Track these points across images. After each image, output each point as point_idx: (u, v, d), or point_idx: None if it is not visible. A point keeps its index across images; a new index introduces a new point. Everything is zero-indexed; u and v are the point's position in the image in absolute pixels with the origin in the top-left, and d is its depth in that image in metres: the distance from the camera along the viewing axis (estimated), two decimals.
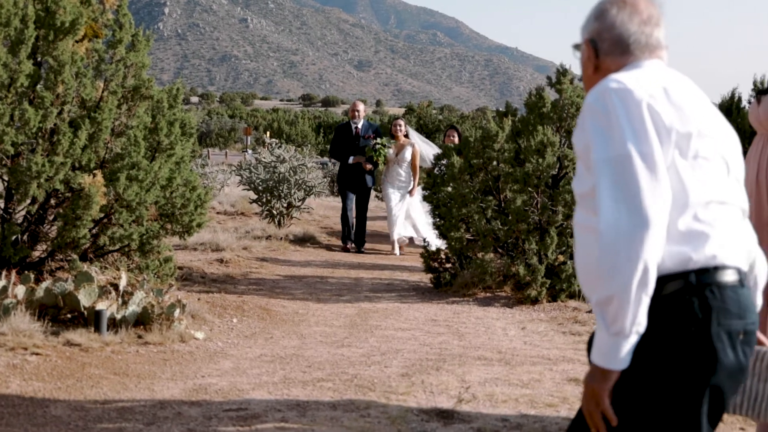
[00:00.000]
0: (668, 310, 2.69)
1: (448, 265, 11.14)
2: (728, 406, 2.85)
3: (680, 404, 2.72)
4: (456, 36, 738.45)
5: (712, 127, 2.85)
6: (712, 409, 2.76)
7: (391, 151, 15.56)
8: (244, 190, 18.13)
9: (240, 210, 18.87)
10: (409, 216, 16.00)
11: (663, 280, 2.69)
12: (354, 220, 15.73)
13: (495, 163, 10.73)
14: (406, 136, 16.04)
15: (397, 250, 15.33)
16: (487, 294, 10.39)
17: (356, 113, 16.04)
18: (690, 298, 2.69)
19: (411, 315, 9.27)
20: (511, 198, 10.43)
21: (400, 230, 15.72)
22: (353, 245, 15.47)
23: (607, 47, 2.98)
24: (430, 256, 11.25)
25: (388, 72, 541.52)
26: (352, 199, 15.66)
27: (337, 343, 7.76)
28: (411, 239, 16.07)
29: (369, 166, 15.51)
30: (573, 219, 2.99)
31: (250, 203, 17.67)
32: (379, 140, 15.44)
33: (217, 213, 18.24)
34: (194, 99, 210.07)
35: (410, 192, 15.78)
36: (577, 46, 3.13)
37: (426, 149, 16.88)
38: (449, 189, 10.95)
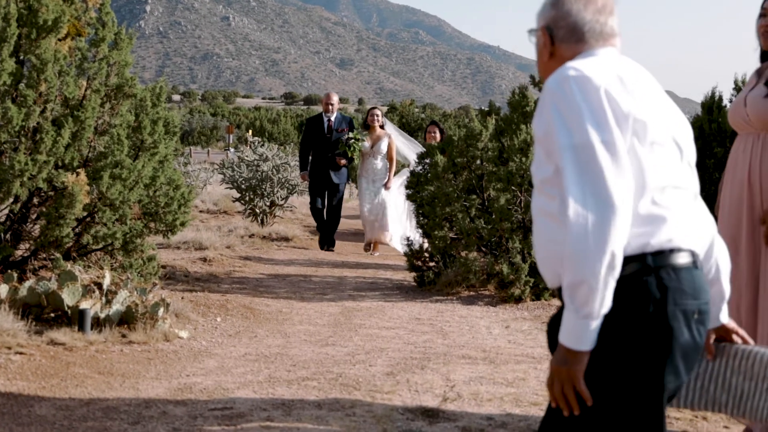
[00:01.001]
0: (627, 291, 2.76)
1: (432, 264, 11.14)
2: (683, 382, 2.91)
3: (640, 382, 2.79)
4: (438, 34, 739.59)
5: (666, 114, 2.93)
6: (668, 387, 2.84)
7: (366, 143, 14.95)
8: (226, 188, 18.14)
9: (223, 209, 18.89)
10: (383, 212, 15.21)
11: (622, 261, 2.74)
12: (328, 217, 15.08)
13: (479, 161, 10.75)
14: (382, 127, 15.37)
15: (373, 252, 14.94)
16: (471, 293, 10.40)
17: (329, 106, 15.16)
18: (647, 279, 2.78)
19: (395, 314, 9.28)
20: (495, 197, 10.44)
21: (376, 230, 15.11)
22: (328, 247, 14.94)
23: (563, 35, 3.04)
24: (413, 255, 11.26)
25: (371, 70, 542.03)
26: (325, 197, 15.00)
27: (322, 342, 7.75)
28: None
29: (344, 162, 14.83)
30: (531, 205, 3.03)
31: (233, 202, 17.70)
32: (352, 134, 14.78)
33: (200, 212, 18.26)
34: (176, 97, 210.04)
35: (386, 185, 15.13)
36: (531, 32, 3.17)
37: (406, 148, 16.36)
38: (432, 188, 10.94)
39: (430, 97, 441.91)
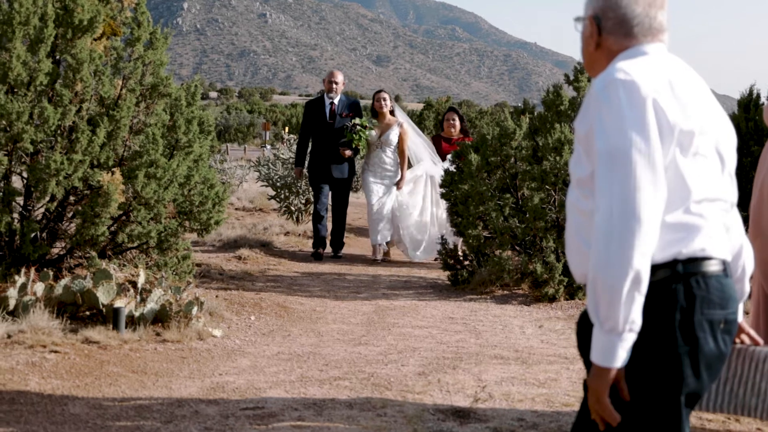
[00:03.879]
0: (654, 298, 2.72)
1: (466, 263, 11.13)
2: (705, 391, 2.88)
3: (661, 388, 2.76)
4: (475, 31, 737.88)
5: (712, 122, 2.87)
6: (689, 395, 2.81)
7: (373, 132, 12.97)
8: (262, 186, 18.16)
9: (258, 206, 18.93)
10: (393, 215, 13.20)
11: (652, 268, 2.71)
12: (330, 218, 13.41)
13: (512, 160, 10.72)
14: (392, 113, 13.21)
15: (379, 256, 13.17)
16: (505, 292, 10.38)
17: (333, 85, 13.02)
18: (676, 287, 2.74)
19: (428, 313, 9.27)
20: (529, 196, 10.41)
21: (384, 233, 13.16)
22: (324, 250, 13.15)
23: (611, 26, 2.95)
24: (447, 254, 11.24)
25: (407, 67, 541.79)
26: (327, 193, 13.14)
27: (354, 341, 7.77)
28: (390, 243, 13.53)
29: (348, 153, 12.85)
30: (567, 197, 3.01)
31: (269, 199, 17.71)
32: (357, 120, 12.80)
33: (236, 209, 18.31)
34: (213, 94, 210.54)
35: (397, 184, 13.11)
36: (578, 20, 3.10)
37: (419, 147, 13.78)
38: (466, 187, 10.91)
39: (467, 94, 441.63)
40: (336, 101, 13.00)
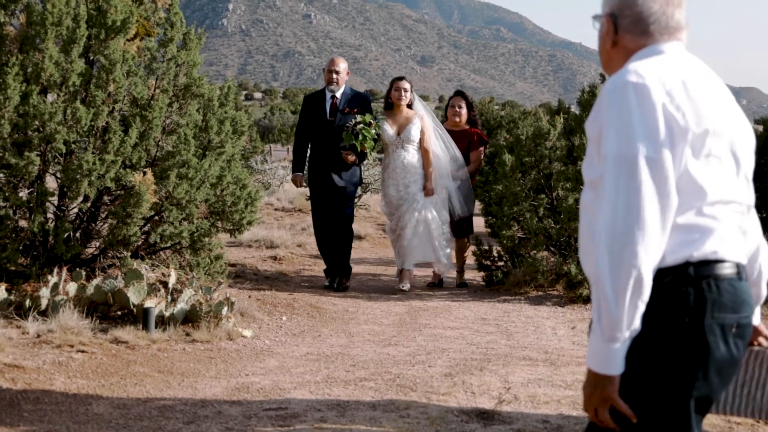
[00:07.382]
0: (664, 301, 2.68)
1: (500, 264, 11.07)
2: (717, 396, 2.82)
3: (670, 394, 2.71)
4: (520, 31, 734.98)
5: (727, 123, 2.81)
6: (700, 400, 2.76)
7: (389, 129, 10.66)
8: (302, 186, 18.18)
9: (298, 207, 18.95)
10: (425, 230, 10.68)
11: (663, 271, 2.68)
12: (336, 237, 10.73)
13: (547, 161, 10.67)
14: (410, 106, 10.83)
15: (406, 284, 10.65)
16: (539, 293, 10.32)
17: (334, 75, 10.60)
18: (686, 290, 2.69)
19: (461, 313, 9.24)
20: (564, 196, 10.36)
21: (415, 255, 10.71)
22: (339, 282, 10.59)
23: (627, 24, 2.92)
24: (482, 254, 11.20)
25: (452, 68, 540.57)
26: (329, 207, 10.69)
27: (384, 342, 7.75)
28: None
29: (352, 158, 10.46)
30: (581, 198, 2.96)
31: (307, 200, 17.72)
32: (359, 118, 10.40)
33: (275, 210, 18.34)
34: (258, 95, 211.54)
35: (425, 188, 10.71)
36: (596, 18, 3.05)
37: (436, 144, 11.00)
38: (500, 187, 10.84)
39: (512, 94, 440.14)
40: (338, 94, 10.64)
